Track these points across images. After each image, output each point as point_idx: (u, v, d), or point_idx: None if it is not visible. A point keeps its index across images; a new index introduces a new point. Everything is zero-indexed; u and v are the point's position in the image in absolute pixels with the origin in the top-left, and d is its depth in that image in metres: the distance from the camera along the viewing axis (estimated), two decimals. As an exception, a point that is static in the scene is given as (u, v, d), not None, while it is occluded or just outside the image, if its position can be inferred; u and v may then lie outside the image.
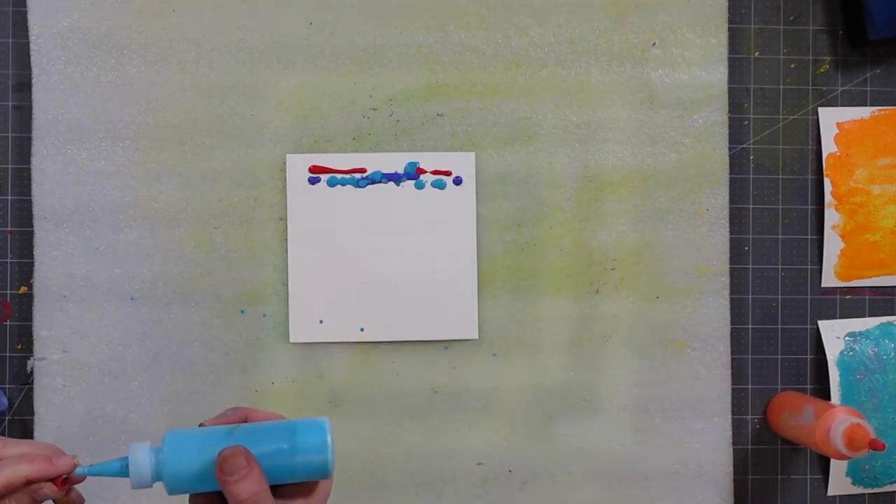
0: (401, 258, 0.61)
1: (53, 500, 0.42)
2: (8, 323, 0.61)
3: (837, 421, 0.53)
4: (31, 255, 0.60)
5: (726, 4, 0.62)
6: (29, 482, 0.39)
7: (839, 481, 0.63)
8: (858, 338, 0.63)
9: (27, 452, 0.41)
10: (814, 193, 0.64)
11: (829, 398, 0.63)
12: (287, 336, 0.61)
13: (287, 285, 0.61)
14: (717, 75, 0.62)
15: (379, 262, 0.61)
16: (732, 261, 0.62)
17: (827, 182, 0.63)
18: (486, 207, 0.61)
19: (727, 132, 0.62)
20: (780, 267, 0.64)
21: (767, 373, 0.64)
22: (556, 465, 0.62)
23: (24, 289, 0.61)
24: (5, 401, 0.60)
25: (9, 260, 0.61)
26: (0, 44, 0.61)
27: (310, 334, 0.61)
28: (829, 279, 0.64)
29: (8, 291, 0.61)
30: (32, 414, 0.60)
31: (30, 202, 0.60)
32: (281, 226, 0.61)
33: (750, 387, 0.63)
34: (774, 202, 0.64)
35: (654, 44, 0.62)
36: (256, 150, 0.61)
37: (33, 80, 0.60)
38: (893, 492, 0.64)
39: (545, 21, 0.61)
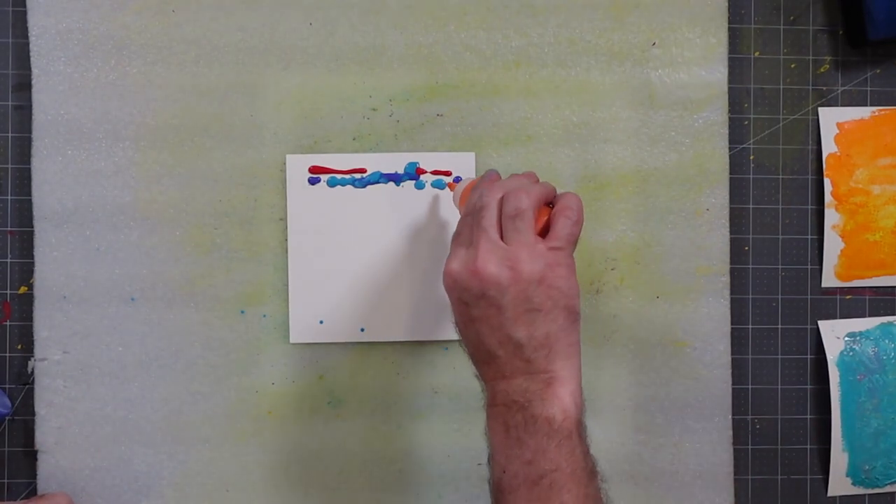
0: (401, 258, 0.61)
1: None
2: (8, 323, 0.61)
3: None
4: (32, 256, 0.60)
5: (726, 4, 0.62)
6: None
7: (839, 482, 0.63)
8: (858, 338, 0.63)
9: None
10: (814, 193, 0.64)
11: (828, 398, 0.63)
12: (287, 336, 0.61)
13: (287, 285, 0.61)
14: (717, 75, 0.62)
15: (379, 262, 0.61)
16: (732, 261, 0.62)
17: (827, 182, 0.63)
18: (486, 207, 0.61)
19: (727, 132, 0.62)
20: (780, 267, 0.64)
21: (767, 373, 0.64)
22: (556, 465, 0.62)
23: (24, 289, 0.61)
24: (8, 403, 0.60)
25: (9, 260, 0.61)
26: (0, 44, 0.61)
27: (310, 334, 0.61)
28: (829, 279, 0.64)
29: (8, 291, 0.61)
30: (33, 414, 0.60)
31: (30, 202, 0.60)
32: (281, 226, 0.61)
33: (750, 387, 0.63)
34: (774, 202, 0.64)
35: (654, 44, 0.62)
36: (256, 150, 0.61)
37: (33, 80, 0.60)
38: (893, 492, 0.64)
39: (545, 21, 0.61)
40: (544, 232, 0.47)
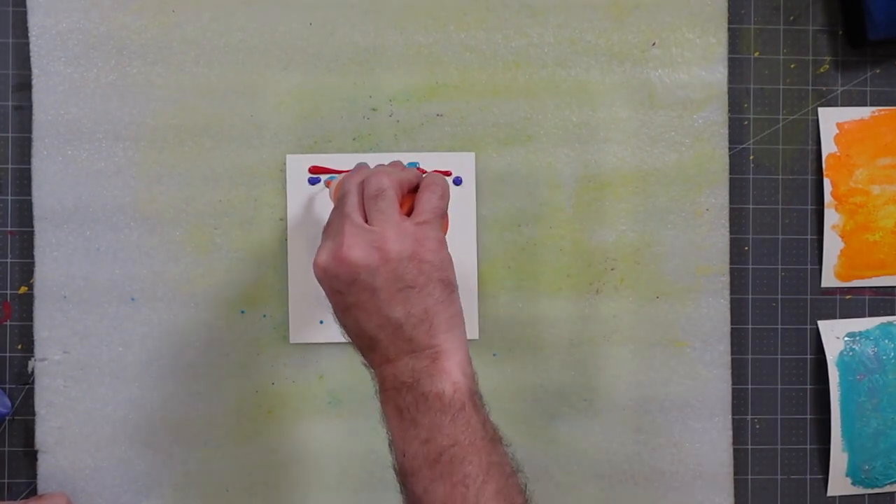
0: (401, 258, 0.61)
1: None
2: (8, 323, 0.61)
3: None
4: (32, 256, 0.60)
5: (726, 4, 0.62)
6: None
7: (839, 482, 0.63)
8: (858, 338, 0.63)
9: None
10: (814, 193, 0.64)
11: (828, 398, 0.63)
12: (287, 337, 0.61)
13: (287, 285, 0.61)
14: (717, 75, 0.62)
15: (379, 263, 0.61)
16: (732, 261, 0.62)
17: (827, 182, 0.63)
18: (486, 207, 0.61)
19: (727, 132, 0.62)
20: (779, 267, 0.64)
21: (767, 373, 0.64)
22: (556, 465, 0.62)
23: (24, 289, 0.61)
24: (7, 402, 0.60)
25: (9, 260, 0.61)
26: (0, 44, 0.61)
27: (310, 335, 0.61)
28: (829, 279, 0.64)
29: (8, 291, 0.61)
30: (33, 414, 0.60)
31: (30, 202, 0.60)
32: (281, 226, 0.61)
33: (750, 387, 0.63)
34: (774, 202, 0.64)
35: (653, 44, 0.62)
36: (256, 150, 0.61)
37: (33, 81, 0.60)
38: (893, 492, 0.64)
39: (545, 21, 0.61)
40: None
